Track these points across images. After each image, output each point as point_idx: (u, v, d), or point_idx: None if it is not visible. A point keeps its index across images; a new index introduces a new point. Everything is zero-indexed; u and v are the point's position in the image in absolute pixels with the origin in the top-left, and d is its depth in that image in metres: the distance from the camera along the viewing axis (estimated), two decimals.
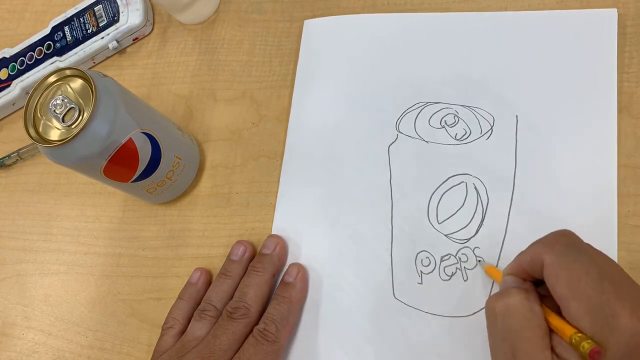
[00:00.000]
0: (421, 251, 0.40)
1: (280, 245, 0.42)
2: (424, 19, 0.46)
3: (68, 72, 0.38)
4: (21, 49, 0.55)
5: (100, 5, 0.53)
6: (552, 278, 0.29)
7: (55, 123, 0.37)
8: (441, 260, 0.39)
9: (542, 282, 0.30)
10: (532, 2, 0.43)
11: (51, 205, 0.51)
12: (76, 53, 0.52)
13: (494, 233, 0.38)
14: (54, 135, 0.37)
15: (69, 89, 0.38)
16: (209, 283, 0.43)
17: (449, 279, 0.38)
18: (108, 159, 0.38)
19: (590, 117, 0.39)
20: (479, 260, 0.38)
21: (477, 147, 0.41)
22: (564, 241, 0.30)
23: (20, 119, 0.50)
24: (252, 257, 0.43)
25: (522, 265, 0.32)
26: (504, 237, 0.38)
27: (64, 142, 0.36)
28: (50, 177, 0.52)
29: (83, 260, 0.48)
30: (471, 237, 0.39)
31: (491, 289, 0.37)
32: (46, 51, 0.54)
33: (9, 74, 0.54)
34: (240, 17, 0.51)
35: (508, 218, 0.39)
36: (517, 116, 0.41)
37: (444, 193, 0.40)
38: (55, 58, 0.53)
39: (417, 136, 0.42)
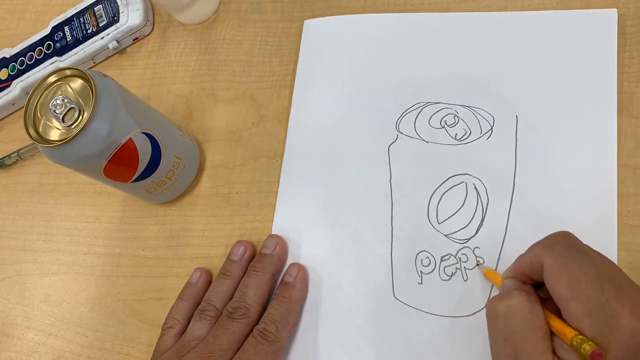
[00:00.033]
0: (421, 251, 0.40)
1: (280, 245, 0.42)
2: (424, 19, 0.46)
3: (68, 72, 0.38)
4: (21, 49, 0.55)
5: (100, 5, 0.53)
6: (551, 279, 0.29)
7: (55, 123, 0.37)
8: (441, 260, 0.39)
9: (542, 285, 0.30)
10: (532, 2, 0.43)
11: (51, 205, 0.51)
12: (76, 53, 0.52)
13: (494, 233, 0.38)
14: (54, 135, 0.37)
15: (69, 89, 0.38)
16: (209, 283, 0.43)
17: (449, 279, 0.38)
18: (108, 159, 0.38)
19: (590, 117, 0.39)
20: (478, 264, 0.38)
21: (477, 147, 0.41)
22: (563, 242, 0.30)
23: (20, 119, 0.50)
24: (252, 257, 0.43)
25: (521, 267, 0.32)
26: (504, 237, 0.38)
27: (64, 142, 0.36)
28: (50, 177, 0.52)
29: (83, 260, 0.48)
30: (471, 237, 0.39)
31: (491, 289, 0.37)
32: (46, 51, 0.54)
33: (9, 74, 0.54)
34: (240, 17, 0.51)
35: (508, 218, 0.39)
36: (517, 116, 0.41)
37: (444, 193, 0.40)
38: (55, 58, 0.53)
39: (417, 136, 0.42)
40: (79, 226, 0.49)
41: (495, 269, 0.38)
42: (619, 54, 0.40)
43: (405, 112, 0.43)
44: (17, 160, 0.53)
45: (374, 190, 0.42)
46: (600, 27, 0.41)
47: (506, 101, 0.41)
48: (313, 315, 0.40)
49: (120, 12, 0.52)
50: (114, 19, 0.52)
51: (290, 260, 0.42)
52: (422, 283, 0.39)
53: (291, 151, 0.45)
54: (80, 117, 0.37)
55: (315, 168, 0.44)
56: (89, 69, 0.53)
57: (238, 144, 0.47)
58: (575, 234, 0.30)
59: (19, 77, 0.54)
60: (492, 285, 0.37)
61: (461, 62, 0.43)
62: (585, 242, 0.30)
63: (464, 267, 0.38)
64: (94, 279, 0.47)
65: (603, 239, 0.36)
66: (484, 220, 0.39)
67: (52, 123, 0.37)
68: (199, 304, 0.41)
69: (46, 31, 0.54)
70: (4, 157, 0.53)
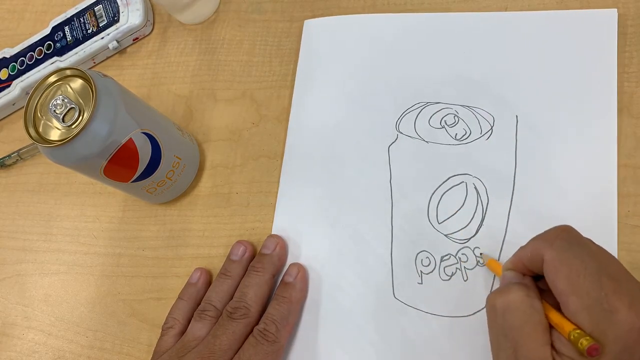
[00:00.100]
0: (421, 251, 0.40)
1: (280, 245, 0.42)
2: (424, 19, 0.46)
3: (68, 72, 0.38)
4: (21, 49, 0.55)
5: (101, 5, 0.53)
6: (551, 273, 0.29)
7: (56, 123, 0.37)
8: (441, 260, 0.39)
9: (541, 277, 0.31)
10: (532, 2, 0.43)
11: (51, 205, 0.51)
12: (76, 53, 0.52)
13: (494, 233, 0.38)
14: (54, 135, 0.37)
15: (69, 89, 0.38)
16: (209, 283, 0.43)
17: (449, 279, 0.38)
18: (108, 159, 0.38)
19: (590, 117, 0.39)
20: (480, 254, 0.38)
21: (477, 147, 0.41)
22: (564, 236, 0.30)
23: (20, 119, 0.50)
24: (252, 257, 0.43)
25: (522, 260, 0.32)
26: (504, 237, 0.38)
27: (64, 142, 0.36)
28: (50, 177, 0.52)
29: (83, 260, 0.48)
30: (471, 237, 0.39)
31: (491, 289, 0.37)
32: (46, 51, 0.54)
33: (9, 74, 0.54)
34: (240, 17, 0.51)
35: (508, 218, 0.39)
36: (517, 116, 0.41)
37: (444, 193, 0.40)
38: (55, 58, 0.53)
39: (417, 136, 0.42)
40: (79, 226, 0.49)
41: None
42: (619, 54, 0.40)
43: (405, 112, 0.43)
44: (17, 160, 0.53)
45: (374, 190, 0.42)
46: (600, 27, 0.41)
47: (506, 101, 0.41)
48: (313, 315, 0.40)
49: (121, 12, 0.52)
50: (114, 19, 0.52)
51: (290, 260, 0.42)
52: (422, 283, 0.39)
53: (291, 151, 0.45)
54: (80, 117, 0.37)
55: (315, 168, 0.44)
56: (89, 69, 0.53)
57: (238, 144, 0.47)
58: None
59: (19, 77, 0.54)
60: (492, 285, 0.37)
61: (461, 62, 0.43)
62: (585, 237, 0.30)
63: (464, 267, 0.38)
64: (94, 279, 0.47)
65: (603, 239, 0.36)
66: (484, 220, 0.39)
67: (52, 123, 0.37)
68: (199, 304, 0.41)
69: (46, 31, 0.54)
70: (4, 157, 0.53)
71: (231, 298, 0.40)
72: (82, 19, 0.53)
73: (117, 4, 0.52)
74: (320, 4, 0.49)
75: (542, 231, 0.31)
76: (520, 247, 0.32)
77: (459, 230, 0.39)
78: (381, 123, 0.44)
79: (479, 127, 0.41)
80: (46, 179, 0.52)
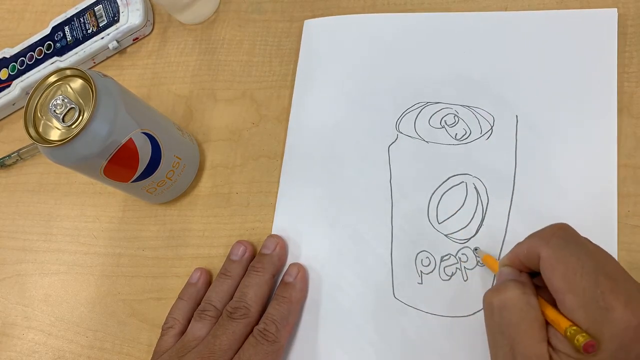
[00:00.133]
0: (421, 251, 0.40)
1: (280, 245, 0.42)
2: (424, 19, 0.46)
3: (68, 72, 0.38)
4: (21, 49, 0.55)
5: (101, 5, 0.53)
6: (548, 271, 0.29)
7: (56, 123, 0.37)
8: (441, 260, 0.39)
9: (538, 273, 0.31)
10: (532, 2, 0.43)
11: (51, 205, 0.51)
12: (76, 53, 0.52)
13: (494, 233, 0.38)
14: (54, 135, 0.37)
15: (69, 89, 0.38)
16: (209, 283, 0.43)
17: (449, 279, 0.38)
18: (108, 159, 0.38)
19: (590, 117, 0.39)
20: (475, 249, 0.38)
21: (477, 147, 0.41)
22: (561, 234, 0.30)
23: (20, 119, 0.50)
24: (252, 257, 0.43)
25: (518, 257, 0.32)
26: (504, 237, 0.38)
27: (64, 142, 0.36)
28: (50, 177, 0.52)
29: (83, 260, 0.48)
30: (471, 237, 0.39)
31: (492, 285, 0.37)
32: (46, 51, 0.54)
33: (9, 74, 0.54)
34: (240, 17, 0.51)
35: (508, 218, 0.39)
36: (517, 116, 0.41)
37: (444, 193, 0.40)
38: (55, 58, 0.53)
39: (417, 136, 0.42)
40: (79, 226, 0.49)
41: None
42: (619, 54, 0.40)
43: (405, 112, 0.43)
44: (17, 160, 0.53)
45: (374, 190, 0.42)
46: (600, 27, 0.41)
47: (506, 101, 0.41)
48: (313, 315, 0.40)
49: (121, 12, 0.52)
50: (114, 19, 0.52)
51: (290, 260, 0.42)
52: (422, 283, 0.39)
53: (291, 151, 0.45)
54: (80, 117, 0.37)
55: (315, 168, 0.44)
56: (89, 69, 0.53)
57: (238, 144, 0.47)
58: None
59: (19, 77, 0.54)
60: (492, 284, 0.37)
61: (461, 62, 0.43)
62: (582, 235, 0.30)
63: (464, 267, 0.38)
64: (94, 279, 0.47)
65: (603, 239, 0.36)
66: (484, 220, 0.39)
67: (52, 123, 0.37)
68: (199, 304, 0.41)
69: (46, 31, 0.54)
70: (4, 157, 0.53)
71: (231, 298, 0.40)
72: (82, 19, 0.53)
73: (117, 4, 0.52)
74: (320, 4, 0.49)
75: None
76: (517, 244, 0.32)
77: (459, 230, 0.39)
78: (381, 123, 0.44)
79: (479, 127, 0.41)
80: (46, 179, 0.52)
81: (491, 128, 0.41)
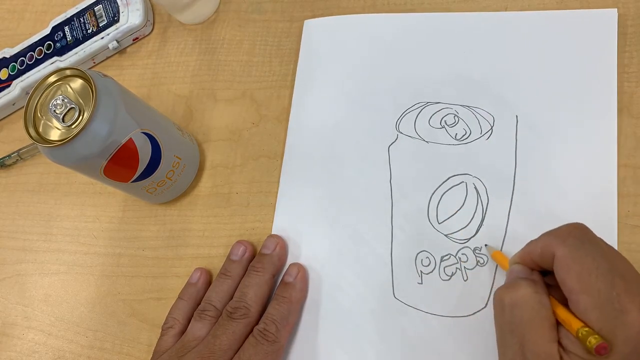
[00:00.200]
0: (421, 251, 0.40)
1: (280, 245, 0.42)
2: (424, 19, 0.46)
3: (68, 72, 0.38)
4: (21, 49, 0.55)
5: (101, 5, 0.53)
6: (562, 271, 0.29)
7: (55, 123, 0.37)
8: (441, 260, 0.39)
9: (549, 272, 0.30)
10: (532, 2, 0.43)
11: (51, 205, 0.51)
12: (76, 53, 0.52)
13: (494, 233, 0.38)
14: (54, 135, 0.37)
15: (69, 89, 0.38)
16: (209, 283, 0.43)
17: (449, 279, 0.38)
18: (108, 159, 0.38)
19: (590, 117, 0.39)
20: (485, 245, 0.38)
21: (477, 147, 0.41)
22: (577, 234, 0.30)
23: (20, 119, 0.50)
24: (252, 257, 0.43)
25: (531, 255, 0.31)
26: (504, 237, 0.38)
27: (64, 142, 0.36)
28: (50, 177, 0.52)
29: (83, 260, 0.48)
30: (471, 237, 0.39)
31: (491, 289, 0.37)
32: (46, 51, 0.54)
33: (9, 74, 0.54)
34: (240, 17, 0.51)
35: (508, 218, 0.39)
36: (517, 116, 0.41)
37: (444, 193, 0.40)
38: (55, 58, 0.53)
39: (417, 136, 0.42)
40: (79, 226, 0.49)
41: (495, 270, 0.38)
42: (619, 54, 0.40)
43: (405, 112, 0.43)
44: (17, 160, 0.53)
45: (374, 190, 0.42)
46: (600, 27, 0.41)
47: (506, 101, 0.41)
48: (313, 315, 0.40)
49: (120, 12, 0.52)
50: (114, 19, 0.52)
51: (290, 260, 0.42)
52: (422, 283, 0.39)
53: (291, 151, 0.45)
54: (80, 117, 0.37)
55: (315, 168, 0.44)
56: (89, 69, 0.53)
57: (238, 144, 0.47)
58: None
59: (19, 77, 0.54)
60: (493, 284, 0.37)
61: (461, 62, 0.43)
62: (597, 236, 0.30)
63: (464, 267, 0.38)
64: (94, 279, 0.47)
65: (603, 239, 0.36)
66: (484, 220, 0.39)
67: (52, 123, 0.37)
68: (199, 304, 0.41)
69: (46, 31, 0.54)
70: (4, 157, 0.53)
71: (231, 298, 0.40)
72: (82, 19, 0.53)
73: (117, 4, 0.52)
74: (320, 4, 0.49)
75: (542, 231, 0.31)
76: (530, 242, 0.32)
77: (459, 230, 0.39)
78: (381, 123, 0.44)
79: (479, 127, 0.41)
80: (46, 179, 0.52)
81: (491, 128, 0.41)
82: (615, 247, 0.36)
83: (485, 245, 0.38)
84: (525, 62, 0.42)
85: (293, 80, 0.47)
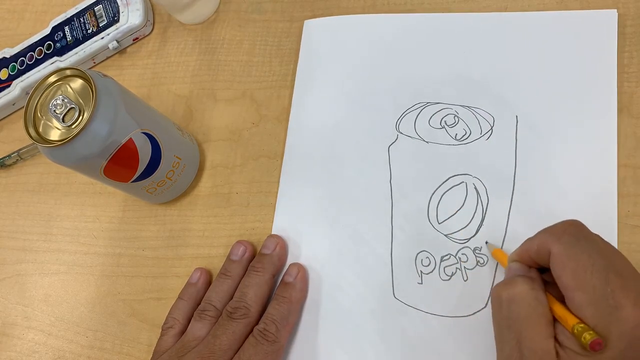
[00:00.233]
0: (421, 251, 0.40)
1: (280, 245, 0.42)
2: (424, 19, 0.46)
3: (68, 72, 0.38)
4: (21, 49, 0.55)
5: (101, 5, 0.53)
6: (558, 268, 0.29)
7: (56, 123, 0.37)
8: (441, 260, 0.39)
9: (547, 269, 0.31)
10: (532, 2, 0.43)
11: (51, 205, 0.51)
12: (76, 53, 0.52)
13: (494, 233, 0.38)
14: (54, 135, 0.37)
15: (69, 89, 0.38)
16: (209, 283, 0.43)
17: (449, 279, 0.38)
18: (108, 159, 0.38)
19: (590, 117, 0.39)
20: (486, 242, 0.38)
21: (477, 148, 0.41)
22: (572, 231, 0.30)
23: (20, 119, 0.50)
24: (252, 257, 0.43)
25: (528, 252, 0.32)
26: (504, 237, 0.38)
27: (64, 142, 0.36)
28: (50, 177, 0.52)
29: (83, 260, 0.48)
30: (471, 237, 0.39)
31: (491, 289, 0.37)
32: (46, 51, 0.54)
33: (9, 74, 0.54)
34: (240, 17, 0.51)
35: (508, 218, 0.39)
36: (517, 116, 0.41)
37: (444, 193, 0.40)
38: (55, 58, 0.53)
39: (417, 136, 0.42)
40: (79, 226, 0.49)
41: (495, 270, 0.38)
42: (619, 54, 0.40)
43: (405, 112, 0.43)
44: (17, 160, 0.53)
45: (374, 190, 0.42)
46: (600, 27, 0.41)
47: (506, 101, 0.41)
48: (313, 315, 0.40)
49: (121, 12, 0.52)
50: (114, 19, 0.52)
51: (290, 260, 0.42)
52: (422, 283, 0.39)
53: (291, 151, 0.45)
54: (80, 117, 0.37)
55: (315, 168, 0.44)
56: (89, 69, 0.53)
57: (238, 144, 0.47)
58: None
59: (19, 77, 0.54)
60: (493, 284, 0.37)
61: (461, 62, 0.43)
62: (593, 232, 0.30)
63: (464, 267, 0.38)
64: (94, 279, 0.47)
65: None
66: (484, 220, 0.39)
67: (52, 123, 0.37)
68: (199, 304, 0.41)
69: (46, 31, 0.54)
70: (4, 157, 0.53)
71: (231, 298, 0.40)
72: (82, 19, 0.53)
73: (117, 4, 0.52)
74: (320, 4, 0.49)
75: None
76: (527, 239, 0.32)
77: (459, 230, 0.39)
78: (381, 123, 0.44)
79: (479, 127, 0.41)
80: (46, 179, 0.52)
81: (491, 128, 0.41)
82: (615, 247, 0.36)
83: (486, 242, 0.38)
84: (525, 63, 0.42)
85: (293, 80, 0.47)
